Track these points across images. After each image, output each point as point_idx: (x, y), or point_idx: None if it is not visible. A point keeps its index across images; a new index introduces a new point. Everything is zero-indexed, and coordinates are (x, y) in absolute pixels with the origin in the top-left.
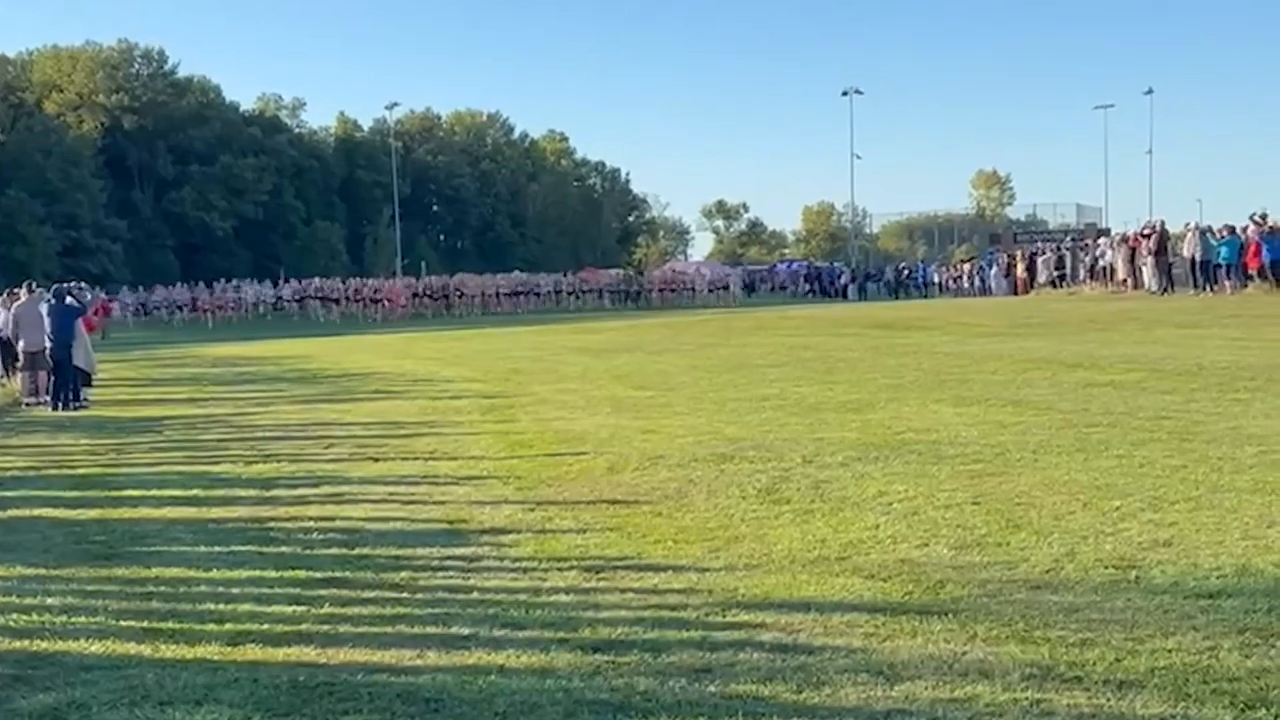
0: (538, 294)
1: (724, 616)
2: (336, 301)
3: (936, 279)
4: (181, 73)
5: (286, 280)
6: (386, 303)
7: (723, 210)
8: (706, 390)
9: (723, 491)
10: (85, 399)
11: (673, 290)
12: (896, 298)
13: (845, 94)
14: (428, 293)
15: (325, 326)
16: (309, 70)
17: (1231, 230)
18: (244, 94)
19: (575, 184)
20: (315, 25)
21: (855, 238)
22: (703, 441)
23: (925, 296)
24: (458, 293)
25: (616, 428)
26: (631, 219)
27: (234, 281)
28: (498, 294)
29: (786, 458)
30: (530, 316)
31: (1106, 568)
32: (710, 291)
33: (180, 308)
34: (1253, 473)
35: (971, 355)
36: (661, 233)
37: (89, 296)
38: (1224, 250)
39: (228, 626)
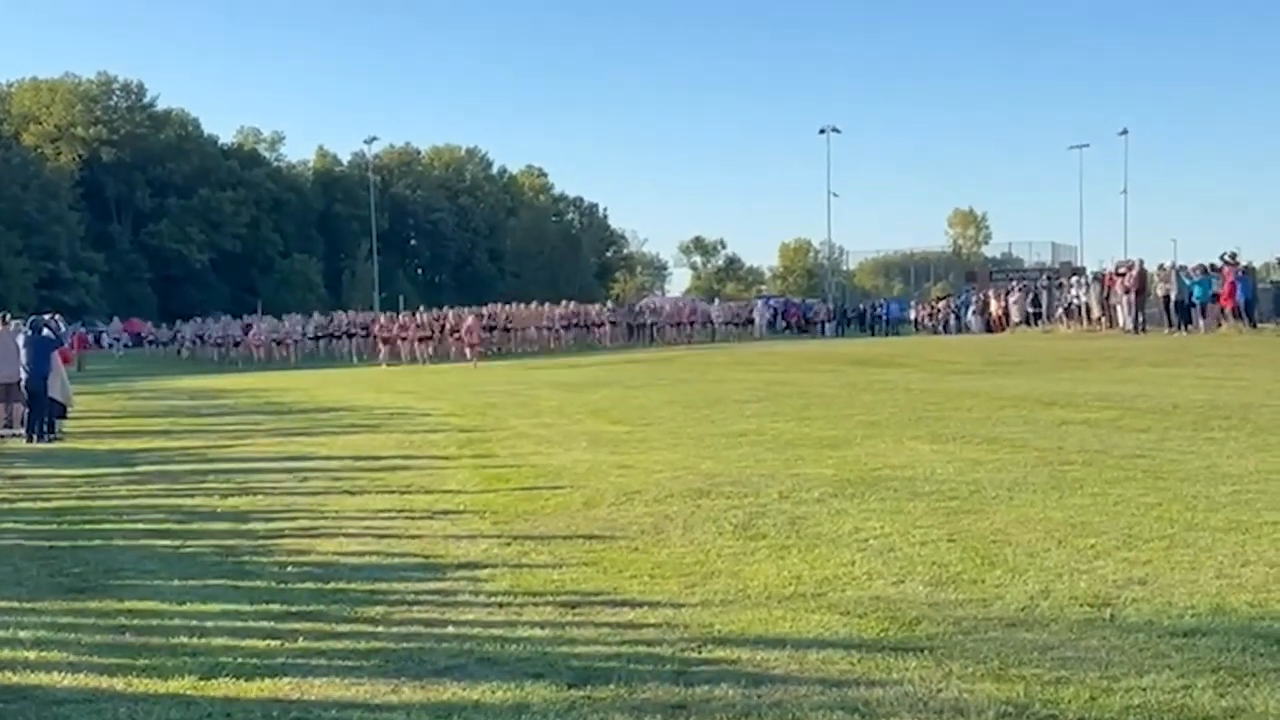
0: (588, 326)
1: (699, 652)
2: (388, 341)
3: (913, 316)
4: (160, 106)
5: (325, 313)
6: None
7: (700, 246)
8: (683, 425)
9: (699, 527)
10: (60, 431)
11: (689, 323)
12: (873, 334)
13: (823, 132)
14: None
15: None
16: (288, 104)
17: (1205, 270)
18: (223, 127)
19: (554, 219)
20: (294, 59)
21: (832, 275)
22: (679, 477)
23: (896, 333)
24: (505, 327)
25: (593, 462)
26: (610, 254)
27: (295, 315)
28: (554, 326)
29: (763, 493)
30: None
31: (1081, 605)
32: (725, 325)
33: (235, 343)
34: (1226, 511)
35: (947, 392)
36: (639, 268)
37: (63, 329)
38: (1198, 289)
39: (201, 660)
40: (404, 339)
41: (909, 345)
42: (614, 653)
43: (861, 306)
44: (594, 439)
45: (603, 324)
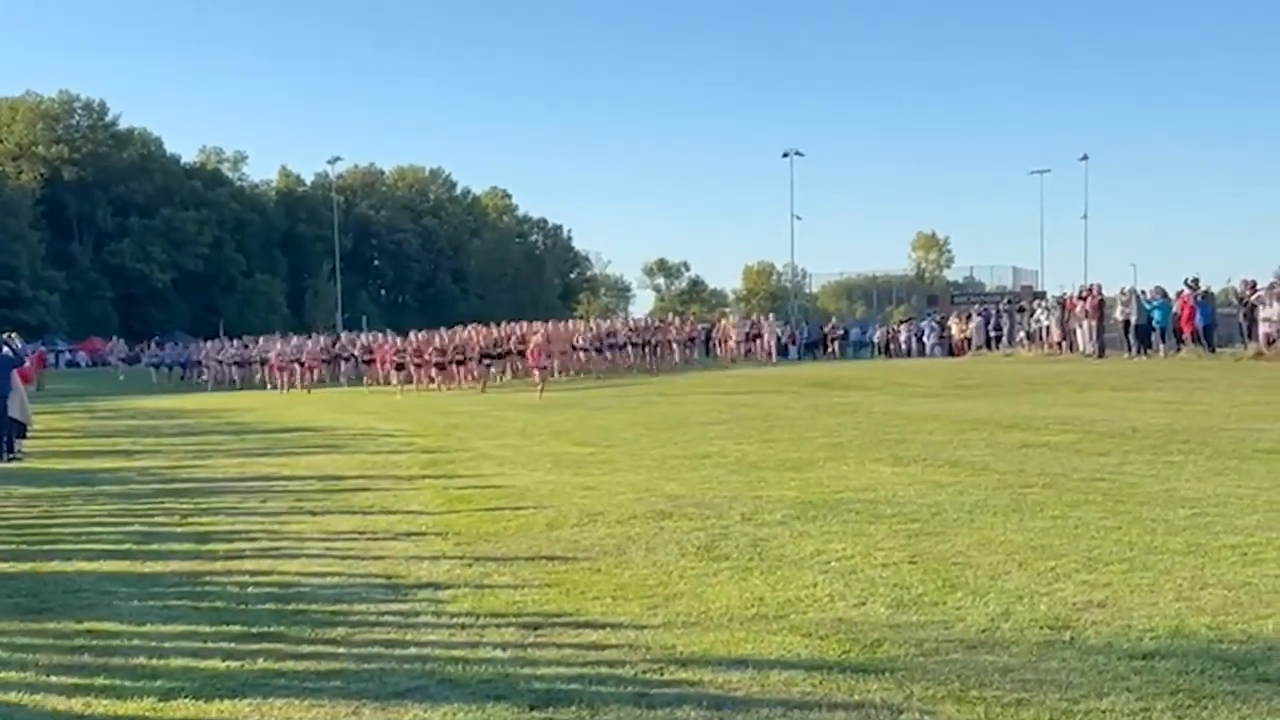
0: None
1: (661, 674)
2: (400, 366)
3: (875, 339)
4: (122, 125)
5: (329, 332)
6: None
7: (664, 268)
8: (647, 447)
9: (662, 548)
10: (19, 451)
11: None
12: (830, 357)
13: (786, 155)
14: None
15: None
16: (251, 124)
17: (1164, 294)
18: (186, 147)
19: (517, 240)
20: (258, 79)
21: (795, 297)
22: (642, 498)
23: (851, 357)
24: (518, 349)
25: (556, 484)
26: (573, 276)
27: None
28: (574, 348)
29: (726, 515)
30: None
31: (1042, 628)
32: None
33: (243, 363)
34: (1186, 534)
35: (909, 415)
36: (603, 290)
37: (19, 345)
38: (1157, 314)
39: (160, 682)
40: (419, 364)
41: (871, 368)
42: (576, 674)
43: (824, 329)
44: (557, 460)
45: (624, 345)
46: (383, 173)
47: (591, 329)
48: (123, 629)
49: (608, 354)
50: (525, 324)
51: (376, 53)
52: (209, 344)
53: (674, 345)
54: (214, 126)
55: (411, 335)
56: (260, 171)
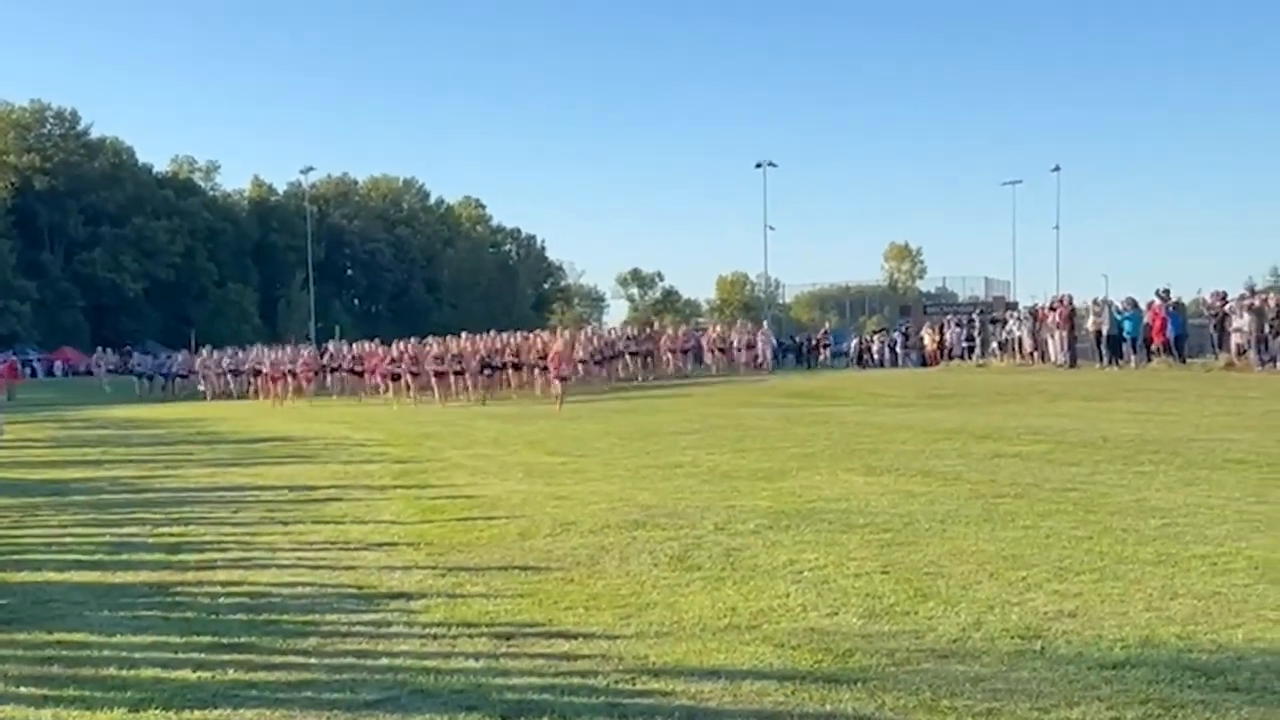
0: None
1: (634, 684)
2: (396, 377)
3: (848, 349)
4: (94, 134)
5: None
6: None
7: (638, 278)
8: (620, 457)
9: (634, 558)
10: None
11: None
12: (809, 367)
13: (759, 166)
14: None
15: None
16: (224, 133)
17: (1135, 305)
18: (158, 156)
19: (491, 250)
20: (231, 89)
21: (769, 308)
22: (615, 508)
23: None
24: (513, 363)
25: (529, 493)
26: (547, 286)
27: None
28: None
29: (698, 525)
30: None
31: (1013, 637)
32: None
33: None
34: (1156, 544)
35: (882, 425)
36: (577, 300)
37: None
38: (1128, 324)
39: (130, 694)
40: (415, 373)
41: (844, 378)
42: (548, 684)
43: (797, 339)
44: (530, 470)
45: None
46: (356, 182)
47: (593, 340)
48: (93, 639)
49: (603, 365)
50: (535, 334)
51: (350, 62)
52: (205, 354)
53: (667, 354)
54: (187, 136)
55: (405, 343)
56: (233, 181)
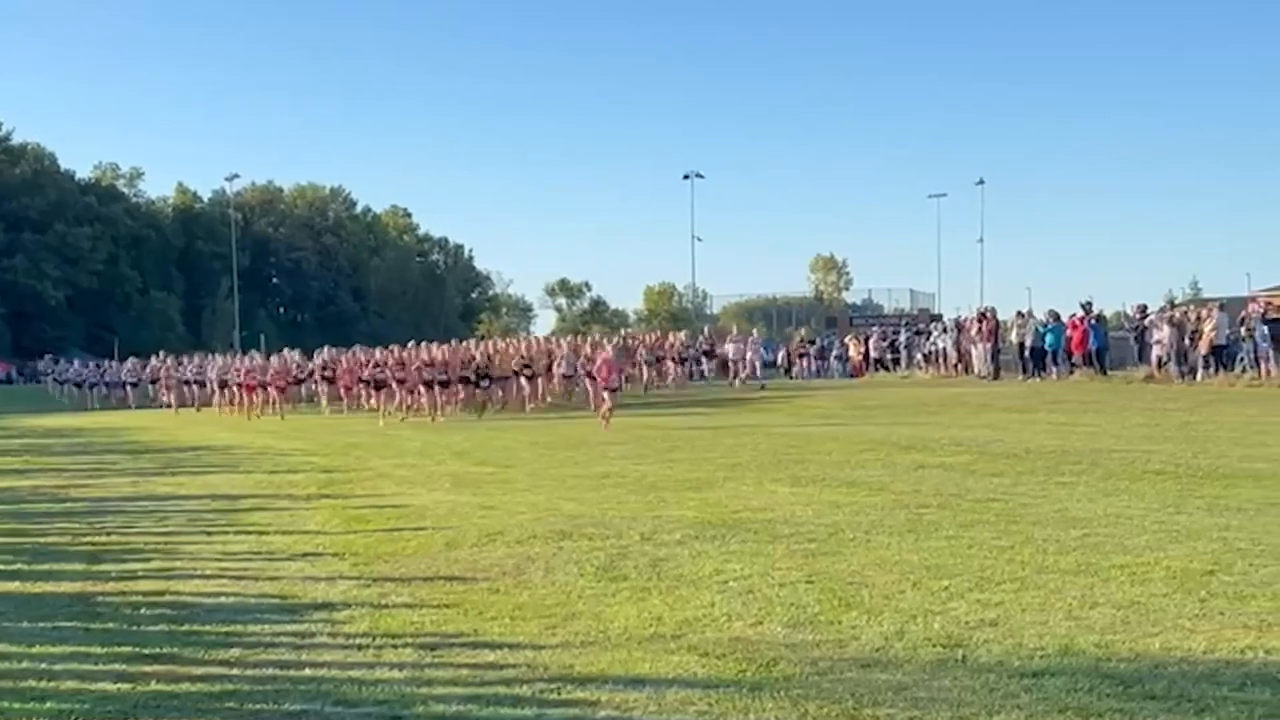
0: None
1: (559, 694)
2: (380, 386)
3: (775, 361)
4: (15, 140)
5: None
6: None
7: (565, 288)
8: (547, 467)
9: (561, 569)
10: None
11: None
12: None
13: (686, 177)
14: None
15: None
16: (148, 140)
17: (1057, 317)
18: (80, 162)
19: (418, 259)
20: (155, 95)
21: (696, 318)
22: (542, 518)
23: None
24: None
25: (455, 504)
26: (474, 295)
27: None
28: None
29: (625, 535)
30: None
31: (935, 646)
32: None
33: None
34: (1076, 554)
35: (808, 436)
36: (504, 310)
37: None
38: (1050, 337)
39: (50, 704)
40: (401, 380)
41: (771, 389)
42: (473, 694)
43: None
44: (457, 480)
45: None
46: (281, 190)
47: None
48: (12, 650)
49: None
50: (543, 339)
51: (276, 69)
52: (168, 361)
53: (670, 364)
54: (110, 142)
55: (398, 349)
56: (157, 188)
